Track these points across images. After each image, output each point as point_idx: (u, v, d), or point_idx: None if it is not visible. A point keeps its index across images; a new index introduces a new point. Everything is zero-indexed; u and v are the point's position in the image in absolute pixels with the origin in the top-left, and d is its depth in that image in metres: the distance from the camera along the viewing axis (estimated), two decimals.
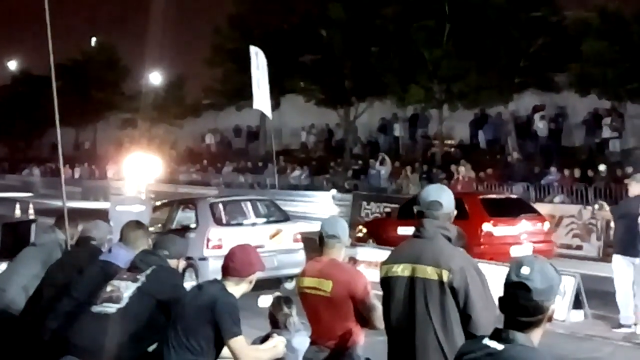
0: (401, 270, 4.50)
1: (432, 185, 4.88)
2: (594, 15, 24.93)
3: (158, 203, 17.58)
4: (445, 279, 4.32)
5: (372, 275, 5.64)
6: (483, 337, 3.31)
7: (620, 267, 10.90)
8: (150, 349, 5.37)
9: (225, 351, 5.05)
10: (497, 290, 4.25)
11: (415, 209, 4.64)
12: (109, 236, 7.54)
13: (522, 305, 3.18)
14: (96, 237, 7.16)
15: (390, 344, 4.60)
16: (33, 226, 11.76)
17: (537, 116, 28.04)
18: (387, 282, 4.59)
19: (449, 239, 4.54)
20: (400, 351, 4.50)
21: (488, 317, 4.25)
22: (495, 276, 4.88)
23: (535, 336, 3.23)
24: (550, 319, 3.26)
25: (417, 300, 4.39)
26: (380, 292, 4.70)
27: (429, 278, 4.37)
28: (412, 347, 4.39)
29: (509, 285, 3.23)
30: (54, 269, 6.93)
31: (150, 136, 45.16)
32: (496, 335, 3.23)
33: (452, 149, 31.29)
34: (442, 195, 4.64)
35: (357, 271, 5.63)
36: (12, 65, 65.88)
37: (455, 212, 4.68)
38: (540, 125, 27.78)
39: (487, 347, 3.21)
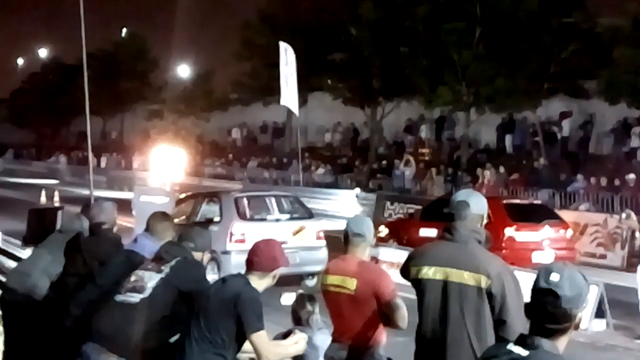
0: (433, 273, 4.49)
1: (463, 190, 4.89)
2: (627, 22, 24.69)
3: (182, 195, 17.64)
4: (483, 284, 4.31)
5: (394, 276, 5.62)
6: (508, 342, 3.28)
7: None
8: (172, 339, 5.38)
9: (246, 345, 5.06)
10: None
11: (446, 210, 4.64)
12: (116, 217, 7.36)
13: (550, 312, 3.15)
14: (106, 220, 7.09)
15: (419, 346, 4.58)
16: (59, 213, 11.80)
17: (564, 122, 27.89)
18: (417, 284, 4.59)
19: (479, 242, 4.52)
20: (431, 353, 4.48)
21: (521, 322, 4.23)
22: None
23: (561, 343, 3.20)
24: (577, 327, 3.23)
25: (451, 304, 4.38)
26: (403, 293, 4.68)
27: (465, 283, 4.36)
28: (443, 350, 4.37)
29: (538, 291, 3.19)
30: (75, 257, 6.94)
31: (176, 128, 45.31)
32: (521, 341, 3.20)
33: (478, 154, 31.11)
34: (470, 197, 4.65)
35: (383, 270, 5.62)
36: (43, 53, 66.45)
37: (487, 214, 4.66)
38: (566, 133, 27.62)
39: (511, 352, 3.18)
